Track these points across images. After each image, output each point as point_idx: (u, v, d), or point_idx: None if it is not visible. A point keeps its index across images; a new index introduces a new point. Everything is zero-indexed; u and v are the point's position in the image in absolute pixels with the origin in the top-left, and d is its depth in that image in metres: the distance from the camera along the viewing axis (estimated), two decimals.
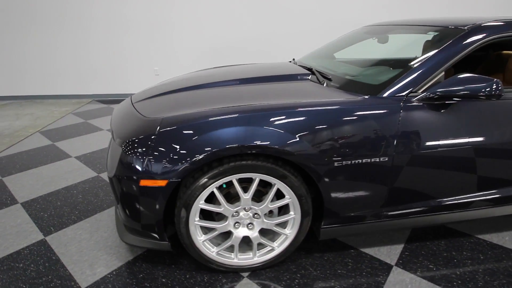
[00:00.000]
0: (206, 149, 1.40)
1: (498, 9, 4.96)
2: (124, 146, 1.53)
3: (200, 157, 1.40)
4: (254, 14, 5.29)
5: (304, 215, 1.60)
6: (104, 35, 5.45)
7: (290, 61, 2.70)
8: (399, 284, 1.63)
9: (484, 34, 1.63)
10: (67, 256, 1.88)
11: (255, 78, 2.08)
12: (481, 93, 1.44)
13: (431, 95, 1.52)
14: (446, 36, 1.70)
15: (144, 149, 1.46)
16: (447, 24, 1.82)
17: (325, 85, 1.82)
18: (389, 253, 1.86)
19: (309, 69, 2.18)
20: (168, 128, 1.47)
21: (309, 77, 2.01)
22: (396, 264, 1.77)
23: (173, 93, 1.98)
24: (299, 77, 2.01)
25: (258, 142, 1.40)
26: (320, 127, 1.47)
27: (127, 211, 1.57)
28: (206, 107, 1.60)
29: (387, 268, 1.75)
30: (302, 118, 1.47)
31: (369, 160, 1.51)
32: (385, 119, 1.51)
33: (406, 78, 1.59)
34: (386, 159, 1.52)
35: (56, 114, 4.61)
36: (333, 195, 1.56)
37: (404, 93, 1.57)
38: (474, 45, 1.62)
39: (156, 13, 5.31)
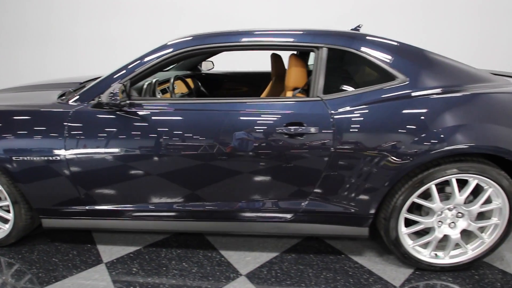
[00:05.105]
0: None
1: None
2: None
3: None
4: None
5: (14, 202, 1.85)
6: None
7: None
8: (84, 279, 1.75)
9: (169, 50, 1.68)
10: None
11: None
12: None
13: (99, 102, 1.66)
14: None
15: None
16: None
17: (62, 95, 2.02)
18: (120, 251, 1.96)
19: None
20: None
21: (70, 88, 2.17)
22: (108, 262, 1.88)
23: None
24: (70, 86, 2.20)
25: None
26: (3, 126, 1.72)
27: None
28: None
29: (98, 262, 1.87)
30: None
31: (43, 158, 1.69)
32: (56, 123, 1.69)
33: (91, 87, 1.74)
34: (58, 158, 1.68)
35: None
36: (25, 187, 1.78)
37: (87, 100, 1.72)
38: (158, 59, 1.69)
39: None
